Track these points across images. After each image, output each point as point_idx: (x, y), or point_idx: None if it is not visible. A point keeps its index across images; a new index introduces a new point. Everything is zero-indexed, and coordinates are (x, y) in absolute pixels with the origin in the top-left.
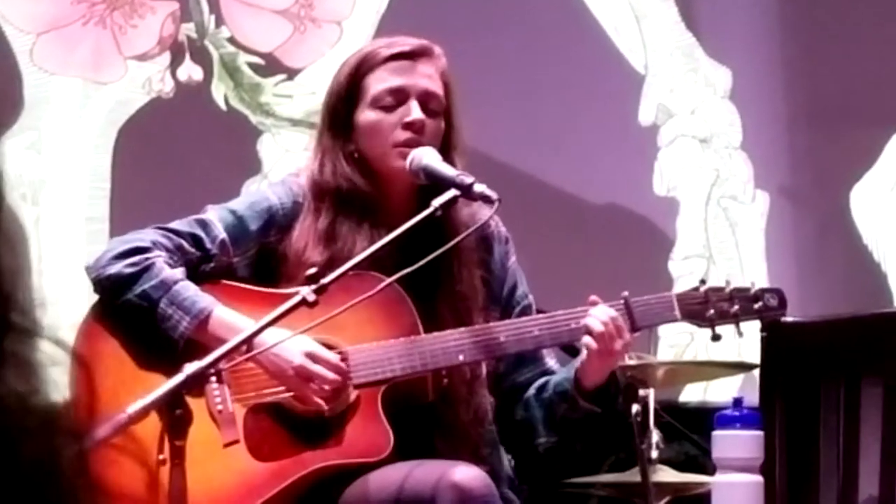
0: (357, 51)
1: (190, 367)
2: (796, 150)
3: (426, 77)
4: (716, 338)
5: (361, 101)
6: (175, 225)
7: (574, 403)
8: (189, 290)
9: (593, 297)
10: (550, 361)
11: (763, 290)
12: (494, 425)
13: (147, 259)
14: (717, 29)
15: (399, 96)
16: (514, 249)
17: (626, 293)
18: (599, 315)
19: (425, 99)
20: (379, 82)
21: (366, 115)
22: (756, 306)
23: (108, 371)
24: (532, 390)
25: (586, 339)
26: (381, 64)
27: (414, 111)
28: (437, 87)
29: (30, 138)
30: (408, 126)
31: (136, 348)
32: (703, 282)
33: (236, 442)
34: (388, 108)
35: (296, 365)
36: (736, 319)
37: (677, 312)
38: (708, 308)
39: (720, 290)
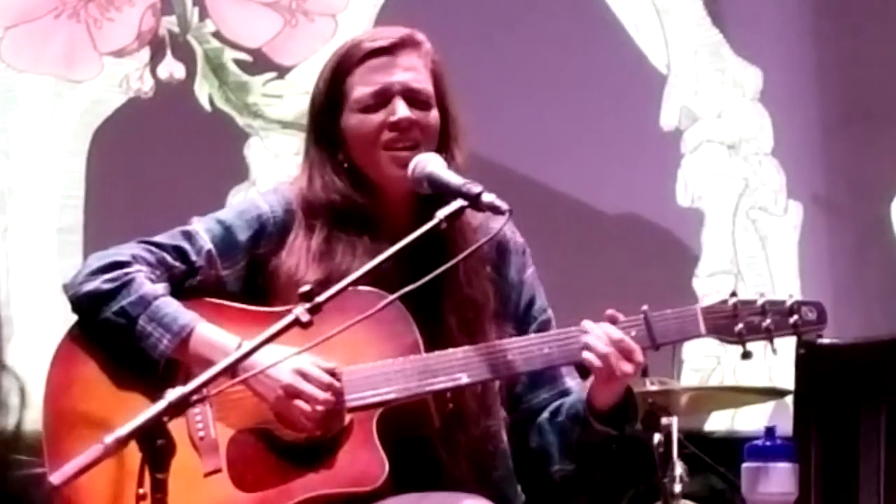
0: (338, 48)
1: (172, 394)
2: (832, 157)
3: (409, 70)
4: (746, 355)
5: (344, 105)
6: (158, 238)
7: (588, 427)
8: (170, 307)
9: (611, 312)
10: (571, 382)
11: (800, 303)
12: (508, 444)
13: (126, 274)
14: (745, 25)
15: (382, 96)
16: (532, 261)
17: (645, 307)
18: (608, 333)
19: (411, 94)
20: (359, 84)
21: (350, 121)
22: (792, 320)
23: (86, 396)
24: (546, 414)
25: (587, 356)
26: (358, 64)
27: (399, 109)
28: (422, 80)
29: None
30: (394, 126)
31: (115, 370)
32: (733, 294)
33: (218, 471)
34: (372, 110)
35: (284, 384)
36: (769, 335)
37: (702, 327)
38: (737, 322)
39: (751, 302)
